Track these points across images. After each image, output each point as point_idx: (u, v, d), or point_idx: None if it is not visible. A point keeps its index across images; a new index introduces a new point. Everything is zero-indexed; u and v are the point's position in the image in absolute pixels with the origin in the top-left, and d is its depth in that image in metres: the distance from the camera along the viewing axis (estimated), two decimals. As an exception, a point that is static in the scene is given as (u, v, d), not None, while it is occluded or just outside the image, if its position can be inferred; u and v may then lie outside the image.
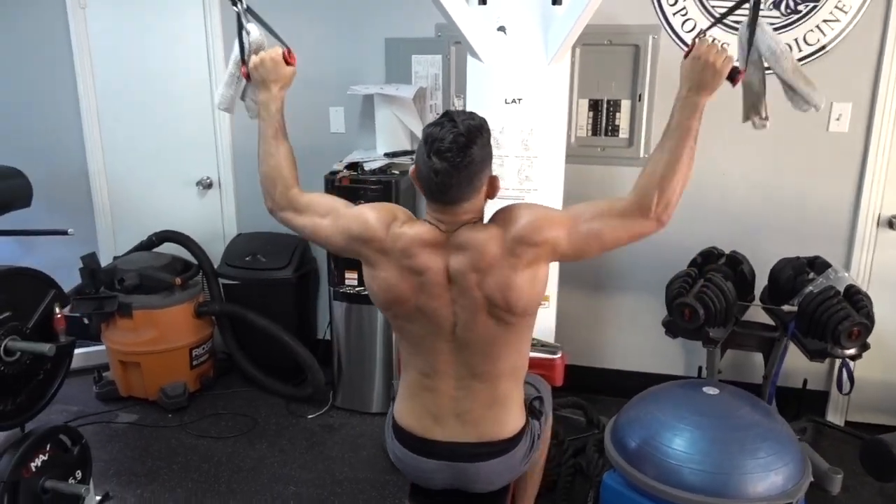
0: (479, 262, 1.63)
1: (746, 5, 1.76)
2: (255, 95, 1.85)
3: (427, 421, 1.79)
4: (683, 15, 2.93)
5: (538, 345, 2.28)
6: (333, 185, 3.05)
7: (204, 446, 2.99)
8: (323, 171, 3.15)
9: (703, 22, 2.90)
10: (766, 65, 1.78)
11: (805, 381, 3.10)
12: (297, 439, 3.04)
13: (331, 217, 1.76)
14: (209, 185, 3.61)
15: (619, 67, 3.05)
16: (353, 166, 3.11)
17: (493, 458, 1.79)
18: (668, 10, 2.93)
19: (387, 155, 3.15)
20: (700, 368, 3.15)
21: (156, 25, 3.49)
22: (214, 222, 3.63)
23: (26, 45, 3.67)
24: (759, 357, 3.03)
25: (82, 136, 3.70)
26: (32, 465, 2.18)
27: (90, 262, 3.38)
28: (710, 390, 2.34)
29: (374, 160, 3.13)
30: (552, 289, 2.78)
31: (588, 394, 3.30)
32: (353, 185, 3.02)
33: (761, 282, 2.90)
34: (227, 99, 1.93)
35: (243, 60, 1.84)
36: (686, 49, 1.66)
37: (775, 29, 2.84)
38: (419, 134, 3.14)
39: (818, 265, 2.75)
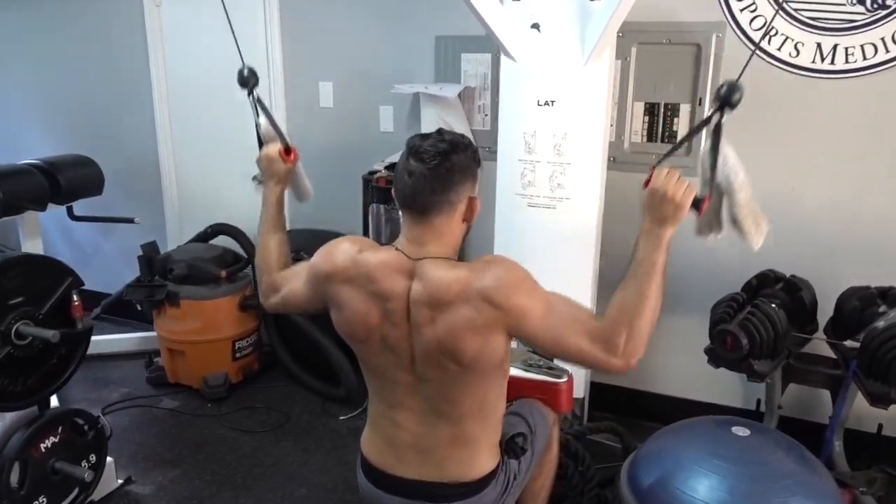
0: (434, 301, 1.51)
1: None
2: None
3: (390, 456, 1.70)
4: (752, 11, 2.64)
5: (543, 367, 2.12)
6: (370, 185, 2.99)
7: (232, 438, 3.02)
8: (365, 171, 3.11)
9: (775, 19, 2.61)
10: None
11: (880, 427, 2.73)
12: (322, 440, 3.01)
13: (299, 277, 1.73)
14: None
15: (678, 69, 2.80)
16: (393, 167, 3.04)
17: (458, 501, 1.66)
18: (735, 6, 2.65)
19: (428, 156, 3.06)
20: (759, 402, 2.85)
21: (220, 26, 3.56)
22: (270, 217, 3.68)
23: (104, 40, 3.86)
24: (826, 394, 2.70)
25: (154, 128, 3.86)
26: (42, 445, 2.27)
27: (149, 250, 3.51)
28: (740, 430, 2.09)
29: (416, 161, 3.05)
30: (585, 305, 2.59)
31: (631, 418, 3.08)
32: (389, 185, 2.95)
33: (828, 312, 2.58)
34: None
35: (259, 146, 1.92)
36: (647, 175, 1.57)
37: (858, 26, 2.52)
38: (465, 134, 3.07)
39: (892, 297, 2.41)
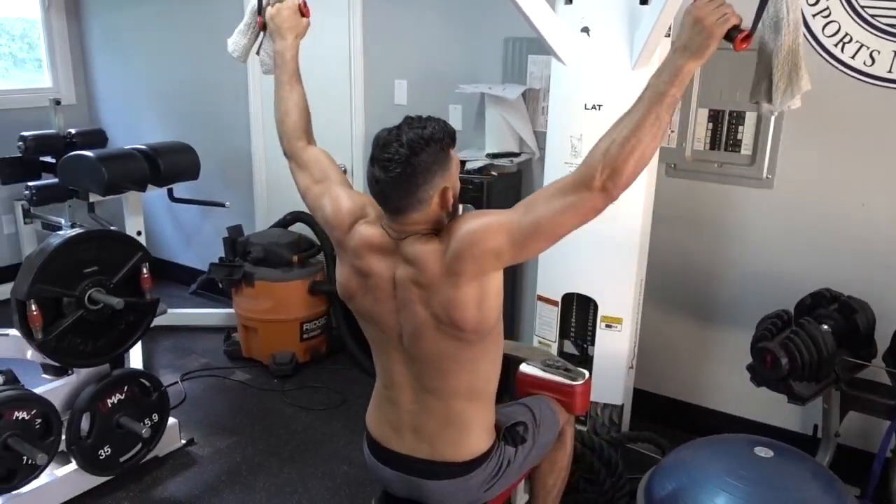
0: (420, 278, 1.57)
1: None
2: (270, 49, 1.97)
3: (387, 430, 1.78)
4: (825, 17, 2.51)
5: (561, 367, 2.13)
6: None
7: (289, 414, 3.22)
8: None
9: (850, 25, 2.47)
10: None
11: (949, 465, 2.53)
12: None
13: (321, 186, 1.79)
14: (343, 172, 3.83)
15: (745, 75, 2.69)
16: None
17: (446, 479, 1.73)
18: (808, 11, 2.53)
19: (489, 155, 3.12)
20: (815, 427, 2.72)
21: (316, 21, 3.77)
22: (345, 208, 3.86)
23: (211, 37, 4.16)
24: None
25: (249, 120, 4.13)
26: (109, 400, 2.52)
27: (234, 233, 3.78)
28: (763, 451, 2.03)
29: (476, 160, 3.12)
30: (626, 312, 2.57)
31: (679, 431, 3.00)
32: (452, 182, 3.03)
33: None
34: (240, 47, 2.08)
35: (259, 11, 1.96)
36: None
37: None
38: (526, 137, 3.10)
39: (957, 327, 2.24)
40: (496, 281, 1.58)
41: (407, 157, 1.50)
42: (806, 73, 1.48)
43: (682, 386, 3.11)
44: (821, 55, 2.54)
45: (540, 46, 3.06)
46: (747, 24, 1.44)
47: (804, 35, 2.52)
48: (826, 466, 2.58)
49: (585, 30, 2.39)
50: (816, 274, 2.63)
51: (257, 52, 2.07)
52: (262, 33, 2.01)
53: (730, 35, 1.41)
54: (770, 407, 2.86)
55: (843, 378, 2.37)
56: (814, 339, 2.24)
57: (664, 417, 3.10)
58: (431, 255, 1.55)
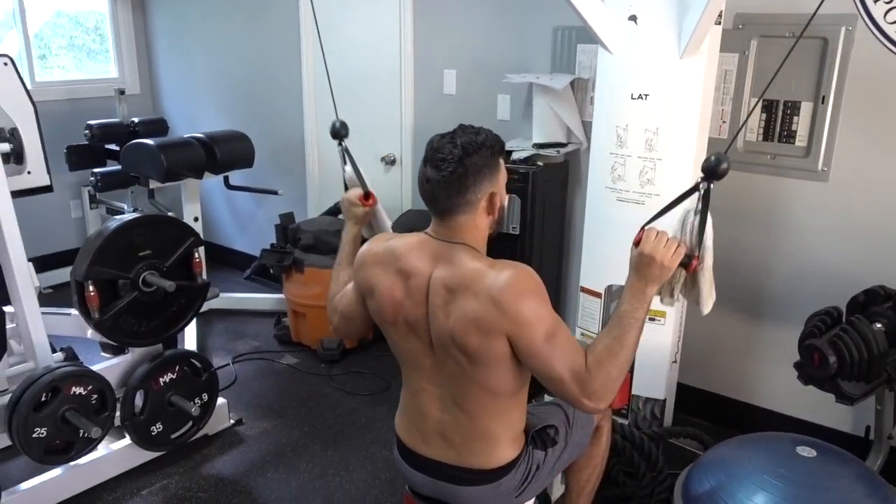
0: (452, 285, 1.57)
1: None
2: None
3: (415, 435, 1.79)
4: (888, 2, 2.41)
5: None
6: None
7: (335, 397, 3.28)
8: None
9: None
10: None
11: None
12: None
13: (349, 288, 1.84)
14: (392, 162, 3.88)
15: (801, 64, 2.62)
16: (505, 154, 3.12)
17: (476, 486, 1.74)
18: (869, -2, 2.44)
19: (535, 145, 3.10)
20: (868, 429, 2.63)
21: (358, 16, 3.82)
22: (394, 196, 3.89)
23: (265, 28, 4.27)
24: (948, 429, 2.44)
25: (302, 110, 4.21)
26: (161, 379, 2.63)
27: (286, 220, 3.87)
28: (805, 451, 1.99)
29: (523, 150, 3.11)
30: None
31: (726, 427, 2.95)
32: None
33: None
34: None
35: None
36: (641, 232, 1.61)
37: None
38: (573, 127, 3.08)
39: None
40: (502, 345, 1.57)
41: (460, 158, 1.55)
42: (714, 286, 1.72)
43: (729, 382, 3.04)
44: (883, 43, 2.43)
45: (590, 35, 3.04)
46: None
47: (867, 22, 2.46)
48: (876, 469, 2.50)
49: (633, 18, 2.36)
50: (871, 270, 2.53)
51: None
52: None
53: (682, 264, 1.62)
54: (820, 406, 2.77)
55: (895, 378, 2.29)
56: (864, 337, 2.17)
57: (710, 413, 3.04)
58: (472, 272, 1.56)
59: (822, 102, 2.60)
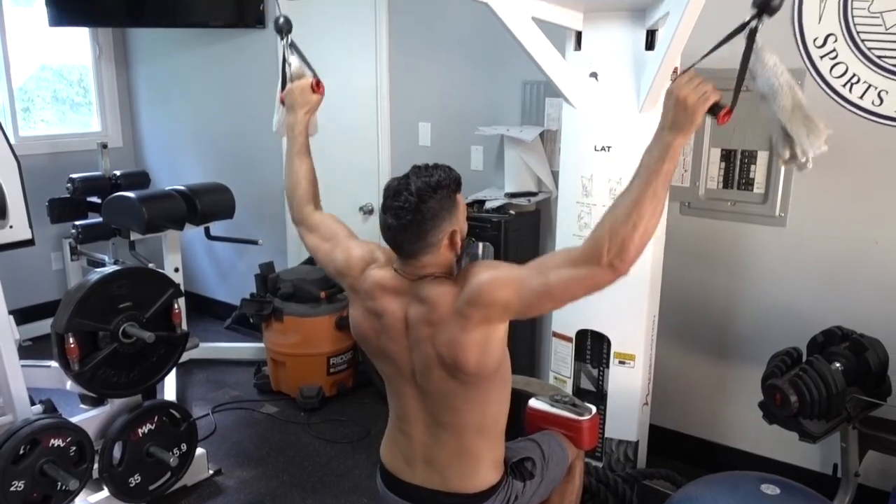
0: (431, 316, 1.66)
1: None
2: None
3: (400, 461, 1.86)
4: (833, 58, 2.56)
5: (568, 403, 2.18)
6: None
7: (314, 446, 3.30)
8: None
9: (857, 66, 2.52)
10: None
11: (973, 508, 2.49)
12: None
13: (331, 243, 1.90)
14: (370, 211, 3.97)
15: (756, 115, 2.74)
16: (476, 203, 3.22)
17: None
18: (815, 53, 2.58)
19: (507, 195, 3.21)
20: (835, 466, 2.69)
21: (336, 68, 3.95)
22: (372, 245, 3.97)
23: (246, 82, 4.38)
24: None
25: (281, 160, 4.28)
26: (140, 430, 2.64)
27: (265, 269, 3.93)
28: (770, 489, 2.05)
29: (495, 199, 3.21)
30: (639, 348, 2.61)
31: (698, 468, 2.99)
32: (470, 221, 3.09)
33: (907, 376, 2.41)
34: (277, 123, 2.22)
35: (282, 88, 2.12)
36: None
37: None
38: (543, 176, 3.19)
39: (970, 366, 2.22)
40: (500, 332, 1.66)
41: (416, 205, 1.59)
42: (820, 121, 1.53)
43: (700, 423, 3.11)
44: (830, 96, 2.59)
45: (555, 89, 3.19)
46: (727, 100, 1.52)
47: (814, 76, 2.60)
48: (840, 506, 2.56)
49: (594, 74, 2.49)
50: (829, 311, 2.64)
51: (275, 128, 2.22)
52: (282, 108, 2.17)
53: (712, 111, 1.48)
54: (789, 445, 2.82)
55: (855, 416, 2.36)
56: (823, 376, 2.25)
57: (683, 454, 3.09)
58: (444, 297, 1.64)
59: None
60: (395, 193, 1.63)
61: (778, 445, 2.90)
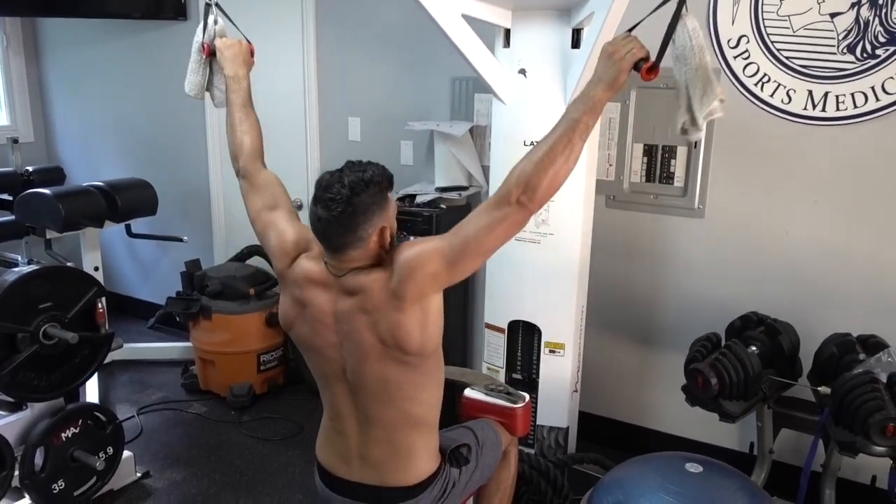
0: (366, 304, 1.67)
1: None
2: (221, 82, 2.11)
3: (336, 459, 1.86)
4: (745, 58, 2.70)
5: (503, 391, 2.23)
6: (381, 215, 3.20)
7: (246, 444, 3.26)
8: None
9: (767, 66, 2.66)
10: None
11: (874, 479, 2.68)
12: None
13: (271, 215, 1.88)
14: (299, 207, 3.92)
15: (675, 112, 2.87)
16: (407, 197, 3.25)
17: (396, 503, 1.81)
18: (729, 54, 2.72)
19: (438, 189, 3.24)
20: (752, 445, 2.85)
21: (266, 64, 3.88)
22: (302, 241, 3.94)
23: (168, 75, 4.25)
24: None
25: (207, 156, 4.22)
26: (63, 434, 2.55)
27: (192, 267, 3.84)
28: (693, 467, 2.14)
29: (426, 193, 3.24)
30: (568, 337, 2.69)
31: (623, 452, 3.11)
32: (401, 215, 3.13)
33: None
34: (195, 85, 2.19)
35: (203, 44, 2.10)
36: None
37: (848, 75, 2.54)
38: (473, 171, 3.24)
39: (871, 345, 2.39)
40: (436, 303, 1.68)
41: (348, 198, 1.60)
42: (718, 85, 1.59)
43: (626, 408, 3.23)
44: (743, 94, 2.73)
45: (484, 85, 3.23)
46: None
47: (729, 76, 2.73)
48: (760, 483, 2.72)
49: (522, 71, 2.54)
50: (745, 298, 2.78)
51: (208, 89, 2.18)
52: (209, 70, 2.13)
53: (637, 66, 1.56)
54: (709, 426, 2.98)
55: (770, 396, 2.51)
56: (740, 359, 2.38)
57: (610, 439, 3.21)
58: (376, 283, 1.65)
59: (695, 147, 2.86)
60: (328, 186, 1.63)
61: (699, 427, 3.04)
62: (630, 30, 1.62)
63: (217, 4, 2.15)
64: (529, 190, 1.55)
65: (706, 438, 3.05)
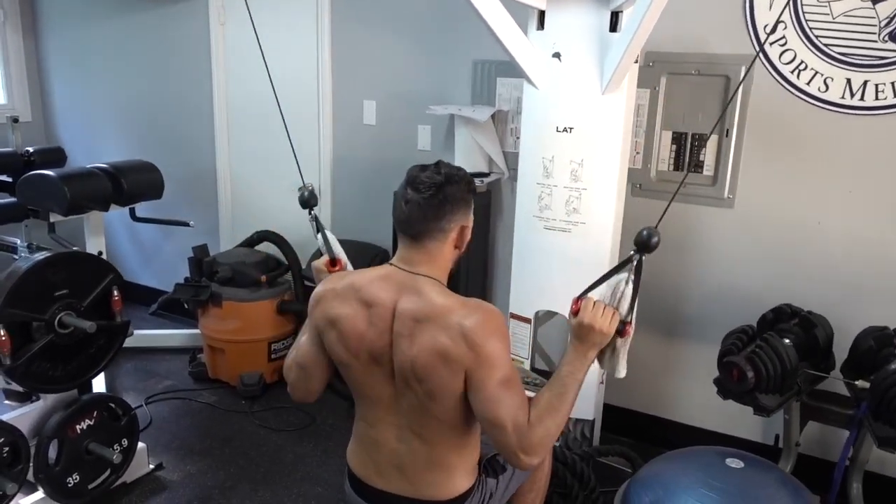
0: (421, 315, 1.59)
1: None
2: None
3: (370, 468, 1.79)
4: (782, 45, 2.64)
5: (532, 382, 2.18)
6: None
7: (259, 435, 3.18)
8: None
9: (805, 53, 2.60)
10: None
11: (902, 472, 2.66)
12: (343, 442, 3.05)
13: (301, 337, 1.81)
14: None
15: (706, 99, 2.82)
16: (426, 184, 3.17)
17: None
18: (765, 40, 2.66)
19: (459, 175, 3.16)
20: (777, 437, 2.81)
21: (277, 44, 3.78)
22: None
23: (174, 55, 4.14)
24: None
25: (214, 139, 4.10)
26: (78, 426, 2.47)
27: (199, 252, 3.74)
28: (734, 462, 2.11)
29: (447, 180, 3.16)
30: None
31: (648, 444, 3.08)
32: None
33: (847, 350, 2.53)
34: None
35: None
36: (578, 302, 1.69)
37: (888, 63, 2.49)
38: (495, 157, 3.16)
39: (910, 339, 2.35)
40: (459, 382, 1.60)
41: (441, 184, 1.61)
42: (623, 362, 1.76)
43: (650, 400, 3.19)
44: (778, 81, 2.67)
45: (508, 69, 3.15)
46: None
47: (764, 62, 2.67)
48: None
49: (557, 55, 2.47)
50: (777, 290, 2.74)
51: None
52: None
53: (617, 330, 1.69)
54: (733, 418, 2.96)
55: (804, 390, 2.47)
56: (778, 352, 2.34)
57: (633, 431, 3.17)
58: (443, 307, 1.58)
59: (727, 135, 2.80)
60: (422, 169, 1.65)
61: (722, 419, 3.01)
62: (585, 292, 1.72)
63: (315, 218, 2.15)
64: (540, 456, 1.61)
65: (729, 431, 3.01)
